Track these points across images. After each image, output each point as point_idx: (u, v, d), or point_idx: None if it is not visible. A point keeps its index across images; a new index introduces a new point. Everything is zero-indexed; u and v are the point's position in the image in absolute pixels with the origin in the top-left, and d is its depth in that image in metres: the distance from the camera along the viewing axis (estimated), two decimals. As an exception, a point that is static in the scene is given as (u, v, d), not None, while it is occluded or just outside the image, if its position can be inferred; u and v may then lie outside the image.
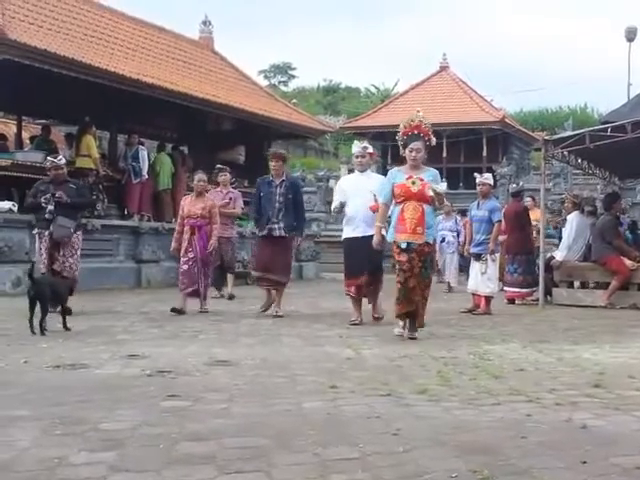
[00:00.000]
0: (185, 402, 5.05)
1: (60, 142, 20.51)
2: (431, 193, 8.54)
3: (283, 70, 74.41)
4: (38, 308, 8.64)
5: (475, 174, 13.27)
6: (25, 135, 22.29)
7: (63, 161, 11.35)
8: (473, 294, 12.39)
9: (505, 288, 14.24)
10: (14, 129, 22.60)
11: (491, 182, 12.93)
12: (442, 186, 8.83)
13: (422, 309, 8.75)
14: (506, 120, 36.67)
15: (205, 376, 6.08)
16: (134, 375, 6.07)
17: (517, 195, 15.26)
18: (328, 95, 67.28)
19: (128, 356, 7.00)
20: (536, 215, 15.18)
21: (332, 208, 10.93)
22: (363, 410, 4.86)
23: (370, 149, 10.66)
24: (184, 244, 11.57)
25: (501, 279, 14.13)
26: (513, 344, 8.24)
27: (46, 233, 10.86)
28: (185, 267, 11.48)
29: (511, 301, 14.07)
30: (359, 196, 10.10)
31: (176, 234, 11.87)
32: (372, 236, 9.14)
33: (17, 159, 16.79)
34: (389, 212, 8.97)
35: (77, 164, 17.53)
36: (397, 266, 8.68)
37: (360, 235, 10.02)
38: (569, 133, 16.51)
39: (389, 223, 8.95)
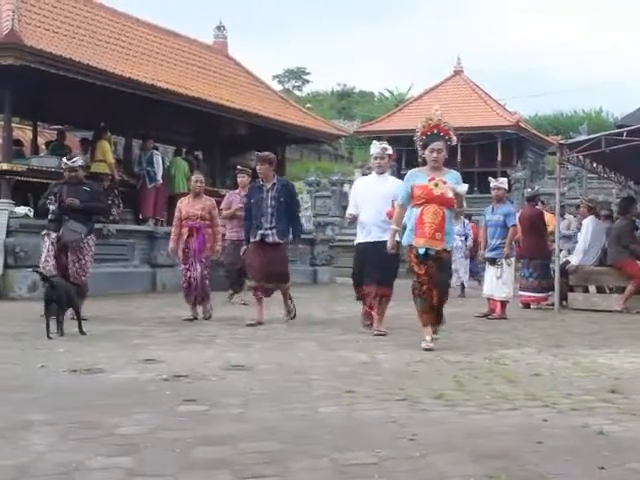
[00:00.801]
0: (201, 407, 5.05)
1: (75, 147, 20.59)
2: (451, 194, 8.06)
3: (297, 75, 74.50)
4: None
5: (489, 178, 13.26)
6: (40, 141, 22.39)
7: (79, 163, 11.12)
8: (488, 299, 12.37)
9: (520, 292, 14.20)
10: (30, 135, 22.70)
11: (506, 187, 12.91)
12: (463, 188, 8.24)
13: (441, 311, 8.36)
14: (520, 124, 36.60)
15: (221, 380, 6.09)
16: (150, 379, 6.07)
17: (532, 199, 15.20)
18: (342, 99, 67.33)
19: (144, 360, 7.01)
20: (546, 219, 15.12)
21: (346, 216, 10.47)
22: (379, 415, 4.85)
23: (389, 150, 10.09)
24: (181, 248, 11.22)
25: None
26: (528, 349, 8.22)
27: (53, 235, 10.60)
28: (187, 274, 11.16)
29: (526, 305, 14.03)
30: (374, 200, 9.55)
31: (173, 235, 11.43)
32: (386, 242, 8.83)
33: (33, 164, 16.90)
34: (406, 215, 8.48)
35: (92, 169, 17.63)
36: (414, 279, 8.23)
37: (372, 240, 9.50)
38: (584, 137, 16.48)
39: (405, 226, 8.50)
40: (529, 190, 16.97)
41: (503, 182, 12.98)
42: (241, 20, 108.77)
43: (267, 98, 24.73)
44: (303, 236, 22.66)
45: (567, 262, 14.13)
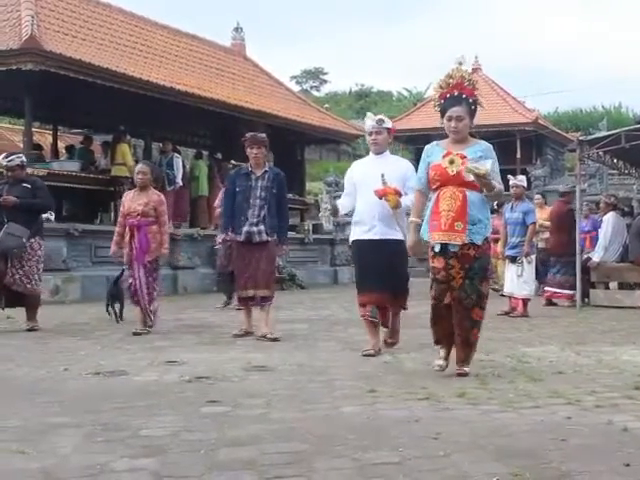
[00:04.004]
0: (224, 407, 5.07)
1: (97, 151, 20.74)
2: (471, 177, 6.18)
3: (315, 75, 74.52)
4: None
5: (508, 176, 13.19)
6: (61, 145, 22.51)
7: (16, 162, 10.03)
8: (509, 297, 12.33)
9: (546, 288, 14.14)
10: (50, 139, 22.83)
11: (524, 184, 12.85)
12: (485, 165, 6.21)
13: (469, 335, 6.37)
14: (540, 121, 36.46)
15: (243, 381, 6.11)
16: (173, 381, 6.10)
17: (564, 195, 14.98)
18: (360, 99, 67.25)
19: (166, 362, 7.04)
20: (548, 214, 15.03)
21: (338, 207, 8.03)
22: (402, 414, 4.85)
23: (388, 123, 7.98)
24: (125, 249, 9.71)
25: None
26: (551, 346, 8.19)
27: None
28: (131, 280, 9.73)
29: (549, 302, 13.95)
30: (372, 186, 7.43)
31: (115, 236, 9.86)
32: (395, 240, 7.43)
33: (53, 168, 16.99)
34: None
35: (113, 172, 17.75)
36: (430, 274, 6.53)
37: (377, 238, 7.59)
38: (604, 133, 16.37)
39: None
40: (562, 186, 16.79)
41: (522, 180, 12.92)
42: (258, 22, 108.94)
43: (285, 99, 24.77)
44: (324, 237, 22.91)
45: (588, 259, 14.06)
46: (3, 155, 10.39)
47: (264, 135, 9.59)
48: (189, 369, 6.64)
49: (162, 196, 10.14)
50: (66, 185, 16.69)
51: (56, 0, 17.85)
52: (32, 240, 9.87)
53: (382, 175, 7.29)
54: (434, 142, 6.75)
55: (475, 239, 6.30)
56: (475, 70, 39.61)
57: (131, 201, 9.84)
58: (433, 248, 6.37)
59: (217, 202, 13.19)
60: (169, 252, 10.16)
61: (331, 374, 6.41)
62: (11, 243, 9.62)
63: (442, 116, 6.56)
